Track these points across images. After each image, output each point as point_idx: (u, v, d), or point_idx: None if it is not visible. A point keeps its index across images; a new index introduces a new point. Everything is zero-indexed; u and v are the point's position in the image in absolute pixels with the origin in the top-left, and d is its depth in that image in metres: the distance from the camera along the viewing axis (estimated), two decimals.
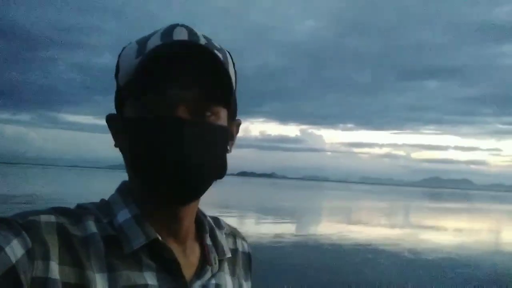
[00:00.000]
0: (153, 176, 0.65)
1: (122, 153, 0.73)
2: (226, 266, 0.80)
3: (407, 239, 15.66)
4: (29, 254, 0.56)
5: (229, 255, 0.80)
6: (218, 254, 0.77)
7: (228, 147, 0.74)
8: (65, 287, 0.58)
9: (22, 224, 0.59)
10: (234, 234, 0.89)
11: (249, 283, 0.87)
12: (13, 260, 0.55)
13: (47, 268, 0.57)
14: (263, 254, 10.12)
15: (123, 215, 0.69)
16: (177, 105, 0.65)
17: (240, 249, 0.88)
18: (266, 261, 9.09)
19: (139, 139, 0.66)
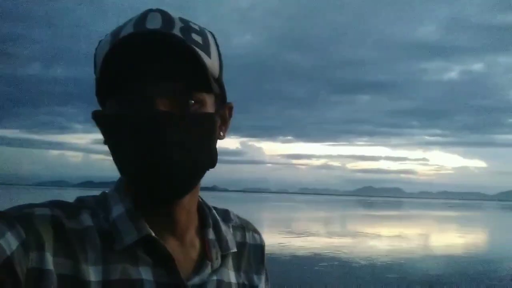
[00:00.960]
0: (135, 176, 0.64)
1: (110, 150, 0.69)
2: (230, 261, 0.77)
3: (346, 246, 16.14)
4: (24, 245, 0.56)
5: (234, 249, 0.76)
6: (221, 249, 0.74)
7: (221, 133, 0.73)
8: (60, 279, 0.58)
9: (16, 217, 0.59)
10: (243, 226, 0.84)
11: (262, 277, 0.83)
12: (8, 252, 0.55)
13: (42, 259, 0.57)
14: None
15: (117, 210, 0.68)
16: (154, 98, 0.62)
17: (249, 242, 0.83)
18: None
19: (116, 138, 0.65)
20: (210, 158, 0.68)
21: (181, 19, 0.68)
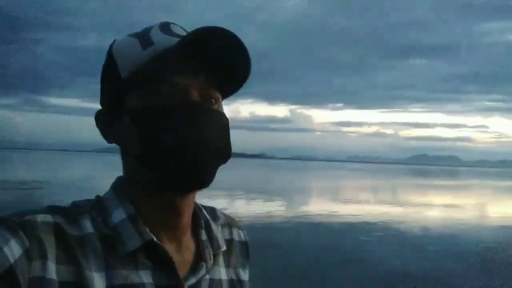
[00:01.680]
0: (171, 163, 0.65)
1: (122, 146, 0.72)
2: (221, 259, 0.80)
3: (402, 217, 15.90)
4: (27, 254, 0.57)
5: (224, 248, 0.80)
6: (213, 249, 0.77)
7: None
8: (63, 287, 0.58)
9: (19, 223, 0.59)
10: (230, 224, 0.88)
11: (247, 271, 0.87)
12: (11, 260, 0.55)
13: (44, 267, 0.58)
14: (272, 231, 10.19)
15: (117, 214, 0.69)
16: (190, 91, 0.67)
17: (236, 238, 0.87)
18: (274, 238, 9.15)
19: (154, 127, 0.65)
20: (228, 153, 0.73)
21: None
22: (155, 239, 0.68)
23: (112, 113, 0.71)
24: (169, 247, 0.70)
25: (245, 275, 0.85)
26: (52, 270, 0.58)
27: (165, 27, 0.71)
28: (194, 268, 0.73)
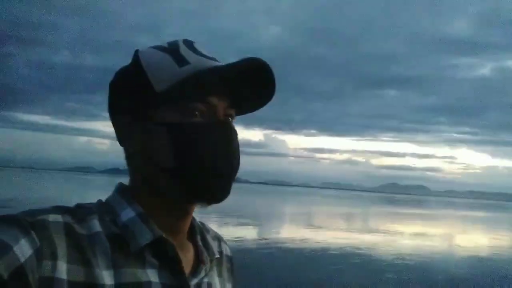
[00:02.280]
0: (203, 175, 0.70)
1: (149, 156, 0.73)
2: (214, 267, 0.84)
3: (368, 243, 15.95)
4: (37, 253, 0.58)
5: (217, 255, 0.84)
6: (208, 254, 0.81)
7: None
8: (73, 286, 0.60)
9: (31, 223, 0.60)
10: (218, 237, 0.92)
11: (231, 285, 0.90)
12: (22, 259, 0.56)
13: (54, 267, 0.59)
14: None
15: (126, 214, 0.72)
16: (217, 110, 0.73)
17: (224, 252, 0.91)
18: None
19: (192, 142, 0.70)
20: (238, 170, 0.77)
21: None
22: (164, 235, 0.71)
23: (137, 122, 0.74)
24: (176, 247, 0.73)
25: None
26: (63, 270, 0.59)
27: (191, 45, 0.76)
28: (195, 269, 0.77)
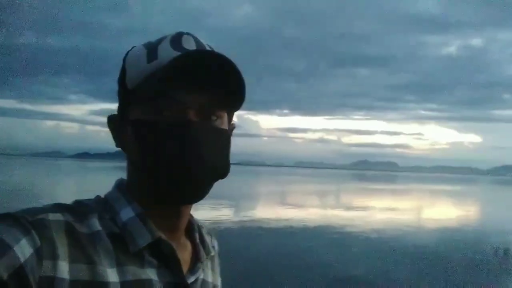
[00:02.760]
0: (164, 177, 0.68)
1: (127, 153, 0.75)
2: (209, 262, 0.85)
3: (342, 219, 16.37)
4: (38, 253, 0.57)
5: (213, 253, 0.86)
6: (205, 252, 0.82)
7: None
8: (76, 285, 0.59)
9: (31, 222, 0.59)
10: (210, 232, 0.93)
11: (219, 279, 0.92)
12: (22, 259, 0.55)
13: (55, 267, 0.58)
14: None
15: (126, 213, 0.71)
16: (188, 108, 0.69)
17: (215, 246, 0.93)
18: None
19: (152, 141, 0.68)
20: (227, 169, 0.75)
21: (209, 46, 0.77)
22: (163, 236, 0.71)
23: (121, 120, 0.75)
24: (173, 246, 0.73)
25: (219, 282, 0.91)
26: (64, 269, 0.59)
27: (176, 39, 0.72)
28: (193, 267, 0.77)
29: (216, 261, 0.92)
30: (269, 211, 18.62)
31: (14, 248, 0.55)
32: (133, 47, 0.76)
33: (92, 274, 0.61)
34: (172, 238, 0.75)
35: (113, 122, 0.77)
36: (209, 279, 0.83)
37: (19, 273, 0.54)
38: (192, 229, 0.83)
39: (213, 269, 0.87)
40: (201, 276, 0.78)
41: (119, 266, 0.65)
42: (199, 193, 0.72)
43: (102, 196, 0.76)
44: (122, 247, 0.68)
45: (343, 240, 12.21)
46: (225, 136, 0.75)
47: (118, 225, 0.70)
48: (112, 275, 0.63)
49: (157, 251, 0.71)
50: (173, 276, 0.71)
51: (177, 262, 0.72)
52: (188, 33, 0.74)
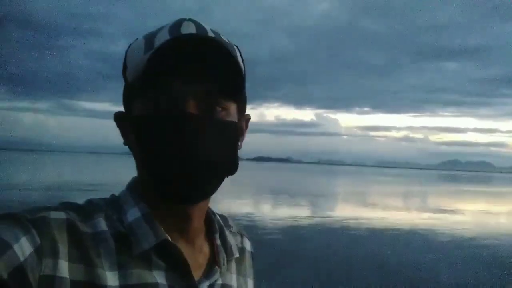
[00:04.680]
0: (162, 175, 0.64)
1: (132, 151, 0.72)
2: (233, 265, 0.80)
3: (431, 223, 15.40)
4: (38, 252, 0.56)
5: (237, 255, 0.80)
6: (226, 255, 0.78)
7: (239, 143, 0.74)
8: (75, 285, 0.57)
9: (31, 220, 0.58)
10: (241, 233, 0.89)
11: (253, 282, 0.87)
12: (21, 258, 0.54)
13: (55, 266, 0.57)
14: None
15: (133, 213, 0.69)
16: (186, 99, 0.64)
17: (247, 248, 0.88)
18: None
19: (147, 137, 0.65)
20: (233, 165, 0.70)
21: (212, 30, 0.70)
22: (169, 238, 0.67)
23: (125, 116, 0.71)
24: (184, 249, 0.69)
25: (251, 285, 0.86)
26: (64, 268, 0.57)
27: (176, 26, 0.67)
28: (208, 271, 0.73)
29: (247, 263, 0.86)
30: (348, 211, 18.06)
31: (14, 247, 0.54)
32: (136, 39, 0.71)
33: (90, 275, 0.59)
34: (185, 239, 0.71)
35: (120, 119, 0.73)
36: (233, 283, 0.78)
37: (19, 272, 0.53)
38: (212, 230, 0.78)
39: (239, 272, 0.81)
40: (219, 281, 0.73)
41: (122, 269, 0.63)
42: (201, 191, 0.67)
43: (117, 195, 0.73)
44: (128, 248, 0.65)
45: (431, 243, 11.42)
46: (231, 129, 0.68)
47: (124, 226, 0.67)
48: (111, 278, 0.61)
49: (166, 253, 0.67)
50: (182, 280, 0.67)
51: (185, 265, 0.67)
52: (190, 19, 0.68)
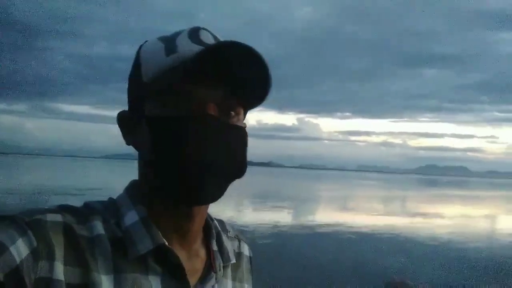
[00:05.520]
0: (183, 175, 0.64)
1: (139, 151, 0.71)
2: (229, 271, 0.79)
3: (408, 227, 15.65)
4: (34, 254, 0.56)
5: (233, 260, 0.79)
6: (223, 260, 0.77)
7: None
8: None
9: (28, 222, 0.58)
10: (238, 237, 0.88)
11: (251, 286, 0.86)
12: (18, 260, 0.54)
13: (51, 268, 0.57)
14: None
15: (130, 217, 0.68)
16: (207, 103, 0.65)
17: (244, 252, 0.87)
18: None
19: (170, 137, 0.64)
20: (243, 169, 0.71)
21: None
22: (166, 243, 0.67)
23: (133, 115, 0.70)
24: (180, 253, 0.69)
25: None
26: (60, 271, 0.57)
27: (194, 33, 0.69)
28: (204, 277, 0.72)
29: (244, 268, 0.85)
30: (328, 216, 18.23)
31: (10, 249, 0.54)
32: (145, 41, 0.73)
33: (84, 279, 0.59)
34: (183, 244, 0.71)
35: (124, 118, 0.73)
36: None
37: (15, 273, 0.53)
38: (210, 235, 0.77)
39: (235, 278, 0.80)
40: (215, 286, 0.73)
41: (117, 272, 0.62)
42: (217, 192, 0.67)
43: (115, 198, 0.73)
44: (124, 252, 0.64)
45: (411, 248, 11.64)
46: (243, 134, 0.70)
47: (121, 229, 0.66)
48: (106, 282, 0.60)
49: (162, 258, 0.67)
50: (178, 285, 0.67)
51: (181, 270, 0.67)
52: (204, 28, 0.71)
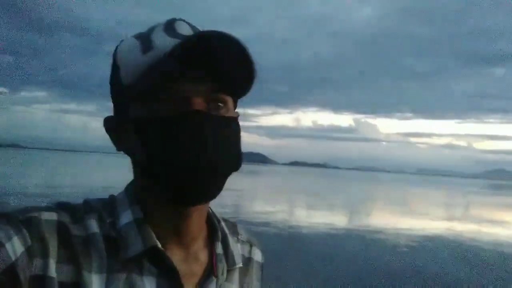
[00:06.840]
0: (173, 176, 0.62)
1: (129, 154, 0.69)
2: (236, 276, 0.76)
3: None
4: (29, 251, 0.56)
5: (240, 264, 0.76)
6: (228, 264, 0.74)
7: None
8: (62, 286, 0.58)
9: (23, 220, 0.58)
10: (250, 242, 0.85)
11: None
12: (13, 257, 0.54)
13: (45, 266, 0.57)
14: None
15: (125, 217, 0.67)
16: (192, 98, 0.63)
17: (255, 258, 0.84)
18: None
19: (157, 137, 0.62)
20: (238, 161, 0.68)
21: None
22: (159, 245, 0.66)
23: (119, 119, 0.69)
24: (176, 255, 0.68)
25: None
26: (53, 269, 0.57)
27: (169, 26, 0.66)
28: (203, 281, 0.70)
29: (254, 274, 0.82)
30: (385, 221, 17.68)
31: (6, 246, 0.54)
32: (121, 41, 0.69)
33: (75, 277, 0.59)
34: (180, 245, 0.69)
35: (111, 123, 0.71)
36: None
37: (11, 271, 0.53)
38: (214, 237, 0.75)
39: (242, 284, 0.77)
40: None
41: (110, 272, 0.62)
42: (212, 190, 0.65)
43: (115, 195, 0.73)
44: (117, 252, 0.64)
45: (473, 256, 11.03)
46: (234, 125, 0.68)
47: (116, 230, 0.66)
48: (97, 281, 0.60)
49: (158, 260, 0.66)
50: (172, 287, 0.65)
51: (176, 274, 0.66)
52: (180, 19, 0.68)
